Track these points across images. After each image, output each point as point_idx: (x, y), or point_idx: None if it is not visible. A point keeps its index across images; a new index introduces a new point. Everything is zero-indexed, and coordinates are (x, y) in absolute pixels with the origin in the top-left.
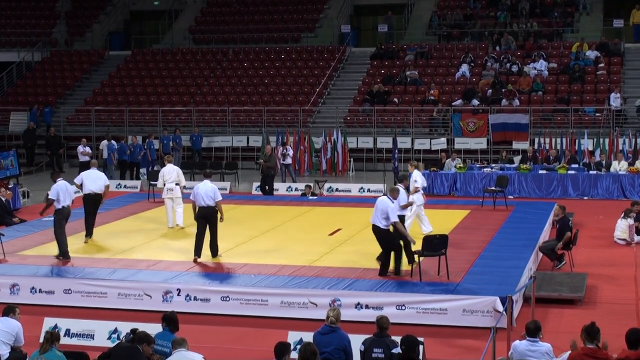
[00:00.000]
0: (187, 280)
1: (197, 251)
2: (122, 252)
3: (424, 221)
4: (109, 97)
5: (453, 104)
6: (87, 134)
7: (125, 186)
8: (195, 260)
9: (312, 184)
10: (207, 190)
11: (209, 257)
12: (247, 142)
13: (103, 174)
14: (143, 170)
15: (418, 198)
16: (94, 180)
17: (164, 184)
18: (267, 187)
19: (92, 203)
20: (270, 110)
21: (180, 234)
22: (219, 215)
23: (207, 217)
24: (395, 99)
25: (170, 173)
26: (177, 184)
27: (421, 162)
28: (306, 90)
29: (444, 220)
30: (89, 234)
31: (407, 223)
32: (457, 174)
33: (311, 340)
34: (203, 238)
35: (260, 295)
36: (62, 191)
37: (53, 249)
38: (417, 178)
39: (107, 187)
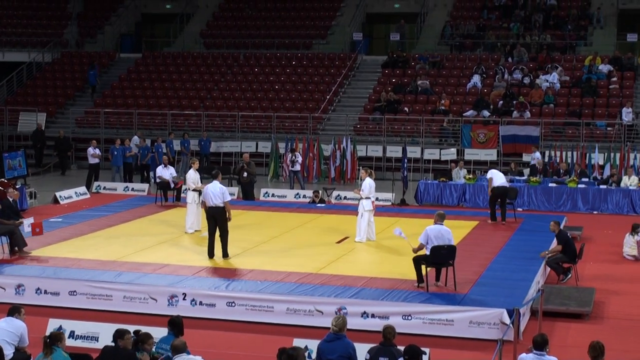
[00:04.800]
0: (193, 284)
1: (210, 251)
2: (129, 255)
3: (370, 230)
4: (118, 100)
5: (464, 114)
6: (96, 136)
7: (132, 189)
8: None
9: (320, 191)
10: (216, 190)
11: (220, 258)
12: (256, 148)
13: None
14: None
15: (367, 204)
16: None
17: (191, 189)
18: (247, 194)
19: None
20: (280, 117)
21: (188, 238)
22: (227, 214)
23: (215, 217)
24: (406, 108)
25: (196, 178)
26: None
27: (373, 170)
28: (316, 97)
29: (452, 232)
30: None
31: (362, 227)
32: (466, 185)
33: (316, 347)
34: (214, 237)
35: (266, 301)
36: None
37: (59, 249)
38: (368, 185)
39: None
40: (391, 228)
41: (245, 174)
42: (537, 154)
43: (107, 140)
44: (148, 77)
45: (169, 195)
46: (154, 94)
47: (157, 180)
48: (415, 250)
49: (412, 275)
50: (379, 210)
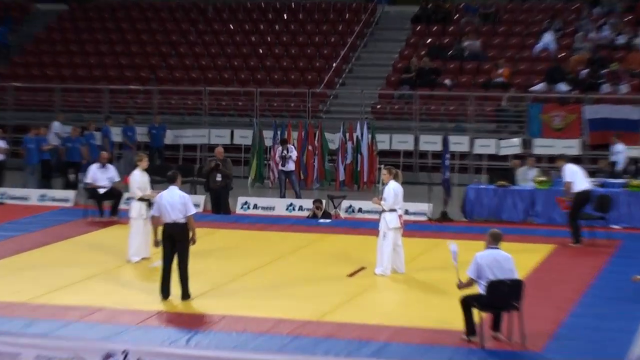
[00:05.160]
0: (139, 337)
1: (164, 289)
2: (46, 294)
3: (397, 258)
4: (33, 70)
5: (531, 89)
6: (1, 122)
7: (52, 198)
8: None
9: (324, 201)
10: (174, 200)
11: (178, 298)
12: (231, 139)
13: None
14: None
15: (391, 220)
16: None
17: (136, 198)
18: (220, 206)
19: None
20: (265, 94)
21: (132, 269)
22: (190, 235)
23: (173, 238)
24: (447, 81)
25: (143, 182)
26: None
27: (400, 171)
28: (318, 66)
29: (517, 259)
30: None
31: (385, 253)
32: (535, 192)
33: None
34: (171, 268)
35: None
36: None
37: None
38: (392, 191)
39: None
40: (427, 254)
41: (218, 177)
42: (620, 146)
43: (18, 127)
44: (76, 38)
45: (105, 207)
46: (84, 62)
47: (87, 185)
48: (461, 287)
49: (459, 322)
50: (410, 229)
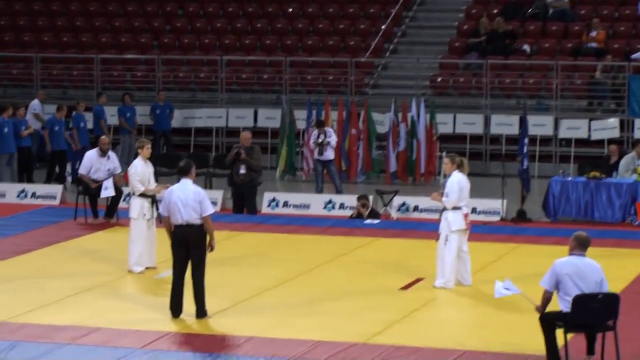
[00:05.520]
0: None
1: (175, 305)
2: (30, 312)
3: (462, 267)
4: (6, 35)
5: (633, 56)
6: None
7: (34, 194)
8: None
9: (371, 198)
10: (188, 196)
11: (192, 316)
12: (255, 121)
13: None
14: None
15: (455, 220)
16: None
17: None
18: (243, 205)
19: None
20: (296, 64)
21: (134, 281)
22: (207, 240)
23: (187, 243)
24: (526, 46)
25: (145, 174)
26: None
27: (466, 160)
28: (363, 29)
29: (612, 269)
30: None
31: (448, 261)
32: (638, 186)
33: None
34: (183, 280)
35: None
36: None
37: None
38: (456, 185)
39: None
40: (499, 263)
41: (242, 169)
42: None
43: None
44: None
45: (100, 207)
46: (69, 24)
47: (81, 177)
48: (540, 309)
49: (536, 346)
50: (478, 231)
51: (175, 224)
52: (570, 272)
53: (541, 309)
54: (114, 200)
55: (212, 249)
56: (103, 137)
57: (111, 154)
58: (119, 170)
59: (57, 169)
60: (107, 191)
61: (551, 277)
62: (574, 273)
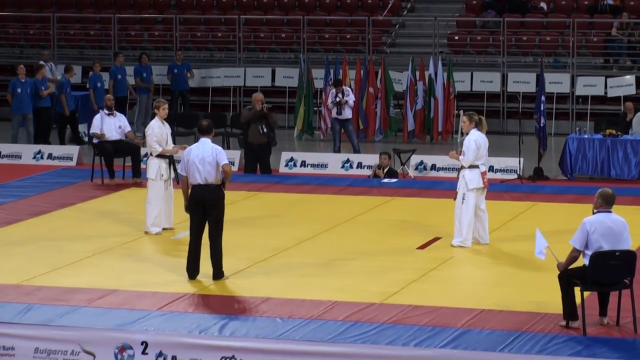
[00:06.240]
0: (161, 326)
1: (192, 267)
2: (46, 274)
3: (479, 225)
4: None
5: None
6: None
7: (50, 155)
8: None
9: (389, 156)
10: (206, 154)
11: (209, 277)
12: (272, 80)
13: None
14: (82, 128)
15: (472, 179)
16: None
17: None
18: (257, 165)
19: None
20: (313, 22)
21: (151, 243)
22: (223, 192)
23: (204, 203)
24: (543, 4)
25: (163, 134)
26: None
27: (484, 118)
28: None
29: (630, 226)
30: None
31: (465, 220)
32: None
33: None
34: (200, 241)
35: (293, 355)
36: None
37: None
38: (474, 143)
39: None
40: (517, 221)
41: (262, 128)
42: None
43: (3, 67)
44: None
45: (116, 167)
46: None
47: (94, 139)
48: (563, 267)
49: (555, 305)
50: (496, 189)
51: (193, 184)
52: (601, 231)
53: (564, 266)
54: (135, 159)
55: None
56: (108, 95)
57: (118, 114)
58: (128, 127)
59: (68, 131)
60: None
61: (582, 236)
62: (604, 231)
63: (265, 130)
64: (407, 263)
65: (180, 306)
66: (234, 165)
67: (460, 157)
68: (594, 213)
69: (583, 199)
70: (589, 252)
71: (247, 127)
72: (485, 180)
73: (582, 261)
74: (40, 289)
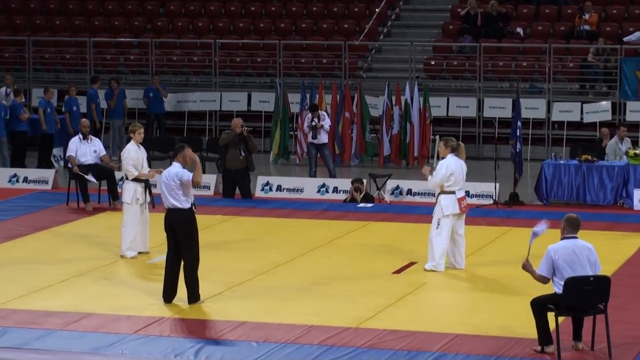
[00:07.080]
0: (137, 349)
1: (168, 291)
2: (21, 298)
3: (456, 250)
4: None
5: (625, 39)
6: None
7: (26, 179)
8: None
9: (364, 181)
10: (169, 178)
11: (185, 301)
12: (248, 104)
13: None
14: (57, 152)
15: (447, 205)
16: None
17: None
18: (234, 191)
19: None
20: (290, 47)
21: (127, 267)
22: (193, 214)
23: (172, 226)
24: (519, 29)
25: (139, 158)
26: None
27: (463, 145)
28: (356, 12)
29: (603, 252)
30: None
31: (437, 245)
32: (629, 168)
33: None
34: (176, 266)
35: None
36: None
37: None
38: (445, 168)
39: None
40: (492, 246)
41: (241, 152)
42: None
43: None
44: None
45: (92, 191)
46: (62, 6)
47: (68, 163)
48: (527, 269)
49: (530, 330)
50: (472, 214)
51: (166, 207)
52: (565, 257)
53: (530, 271)
54: (110, 182)
55: (198, 184)
56: (83, 119)
57: (93, 138)
58: (104, 151)
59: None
60: (89, 177)
61: (547, 264)
62: (569, 257)
63: (244, 154)
64: (382, 287)
65: (156, 330)
66: (209, 189)
67: (429, 177)
68: (561, 239)
69: (559, 224)
70: (557, 279)
71: (225, 151)
72: (463, 205)
73: (552, 288)
74: (15, 312)
